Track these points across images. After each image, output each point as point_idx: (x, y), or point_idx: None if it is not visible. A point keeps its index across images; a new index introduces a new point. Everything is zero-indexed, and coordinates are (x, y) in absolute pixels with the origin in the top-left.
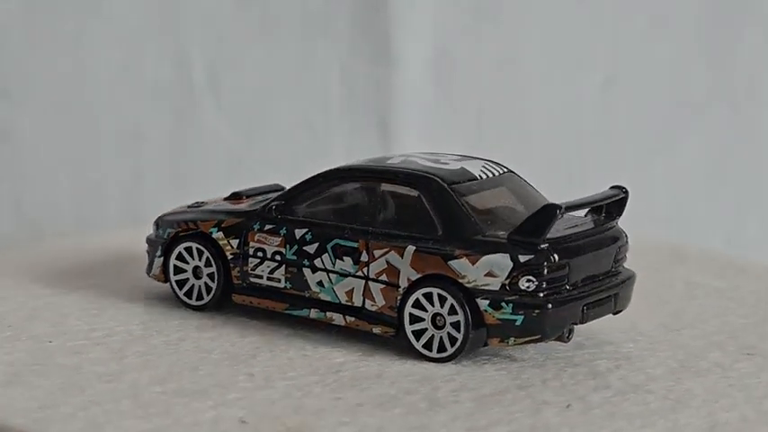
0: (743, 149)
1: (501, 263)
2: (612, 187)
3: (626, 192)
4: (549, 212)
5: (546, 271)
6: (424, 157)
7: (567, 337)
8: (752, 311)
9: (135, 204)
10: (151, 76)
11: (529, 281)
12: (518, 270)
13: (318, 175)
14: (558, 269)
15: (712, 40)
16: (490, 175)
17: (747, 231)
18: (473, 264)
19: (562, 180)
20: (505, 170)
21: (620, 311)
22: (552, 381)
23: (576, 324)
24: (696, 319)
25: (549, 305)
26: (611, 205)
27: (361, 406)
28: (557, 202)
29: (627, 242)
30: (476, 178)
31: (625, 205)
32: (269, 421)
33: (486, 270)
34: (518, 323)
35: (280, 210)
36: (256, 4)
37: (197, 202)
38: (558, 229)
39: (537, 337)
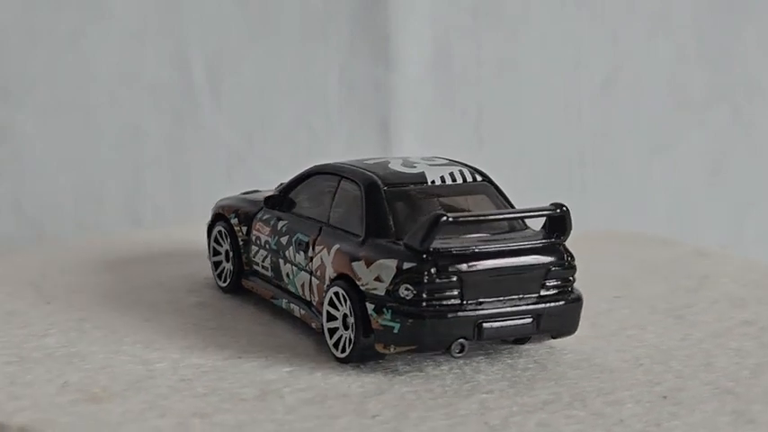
0: (743, 149)
1: (388, 268)
2: (552, 204)
3: (563, 210)
4: (432, 221)
5: (426, 280)
6: (400, 158)
7: (458, 352)
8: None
9: (135, 204)
10: (151, 77)
11: (407, 289)
12: (400, 277)
13: (307, 169)
14: (443, 280)
15: (712, 40)
16: (450, 182)
17: (748, 231)
18: (368, 267)
19: (562, 180)
20: (480, 179)
21: (559, 336)
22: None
23: (469, 340)
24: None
25: (426, 316)
26: (553, 224)
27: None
28: (443, 212)
29: (566, 265)
30: (424, 182)
31: (565, 225)
32: None
33: (376, 274)
34: (395, 330)
35: (271, 201)
36: (256, 4)
37: (250, 191)
38: (468, 242)
39: (414, 347)
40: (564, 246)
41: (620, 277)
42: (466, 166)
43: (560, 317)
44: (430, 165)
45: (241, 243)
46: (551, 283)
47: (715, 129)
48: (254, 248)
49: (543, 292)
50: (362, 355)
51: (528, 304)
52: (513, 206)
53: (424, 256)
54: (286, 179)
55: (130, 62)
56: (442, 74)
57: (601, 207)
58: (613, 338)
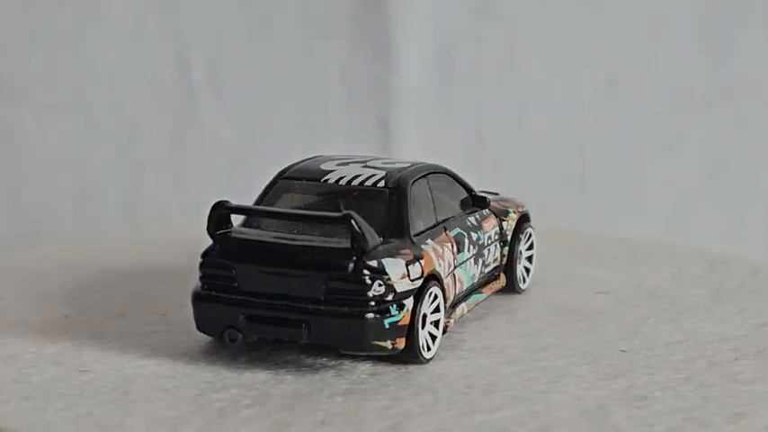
0: (743, 149)
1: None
2: (343, 213)
3: (345, 218)
4: (211, 207)
5: (204, 264)
6: (360, 157)
7: (230, 340)
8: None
9: (135, 204)
10: (151, 77)
11: (199, 271)
12: (200, 260)
13: None
14: (218, 267)
15: (712, 40)
16: (346, 184)
17: (748, 231)
18: None
19: (562, 180)
20: (385, 189)
21: (342, 350)
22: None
23: (239, 332)
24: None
25: (200, 299)
26: (351, 234)
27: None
28: (226, 200)
29: (354, 279)
30: (318, 179)
31: (353, 235)
32: None
33: None
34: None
35: None
36: (256, 4)
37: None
38: (262, 235)
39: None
40: (361, 258)
41: None
42: (396, 178)
43: (338, 330)
44: (363, 166)
45: None
46: (332, 294)
47: (715, 129)
48: None
49: (321, 300)
50: None
51: (300, 309)
52: (402, 216)
53: (212, 241)
54: None
55: (130, 62)
56: (443, 74)
57: (601, 207)
58: None
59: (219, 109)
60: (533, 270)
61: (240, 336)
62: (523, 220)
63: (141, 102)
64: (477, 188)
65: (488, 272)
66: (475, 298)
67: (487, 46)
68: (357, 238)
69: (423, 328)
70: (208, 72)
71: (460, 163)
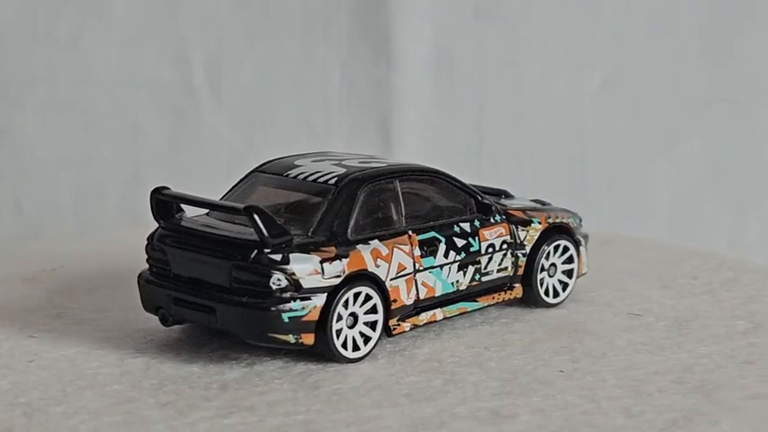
0: (744, 149)
1: None
2: (246, 206)
3: (247, 211)
4: (150, 193)
5: (145, 247)
6: (338, 154)
7: (162, 320)
8: None
9: (135, 204)
10: (151, 76)
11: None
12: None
13: None
14: (156, 251)
15: (712, 40)
16: (302, 179)
17: (749, 231)
18: None
19: (562, 180)
20: (336, 186)
21: (239, 338)
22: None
23: (169, 313)
24: None
25: (139, 277)
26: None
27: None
28: (163, 186)
29: (252, 269)
30: (280, 174)
31: (258, 228)
32: None
33: None
34: None
35: None
36: (256, 4)
37: None
38: (193, 223)
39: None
40: (263, 251)
41: None
42: (353, 176)
43: (239, 319)
44: (335, 164)
45: None
46: (237, 284)
47: (716, 129)
48: None
49: (227, 288)
50: None
51: (211, 296)
52: (337, 215)
53: (158, 226)
54: None
55: (130, 62)
56: (443, 73)
57: (601, 207)
58: None
59: (220, 109)
60: (572, 285)
61: (170, 317)
62: (556, 231)
63: (141, 101)
64: (531, 195)
65: (489, 281)
66: (462, 306)
67: (488, 46)
68: (256, 230)
69: (351, 327)
70: (208, 72)
71: (461, 162)
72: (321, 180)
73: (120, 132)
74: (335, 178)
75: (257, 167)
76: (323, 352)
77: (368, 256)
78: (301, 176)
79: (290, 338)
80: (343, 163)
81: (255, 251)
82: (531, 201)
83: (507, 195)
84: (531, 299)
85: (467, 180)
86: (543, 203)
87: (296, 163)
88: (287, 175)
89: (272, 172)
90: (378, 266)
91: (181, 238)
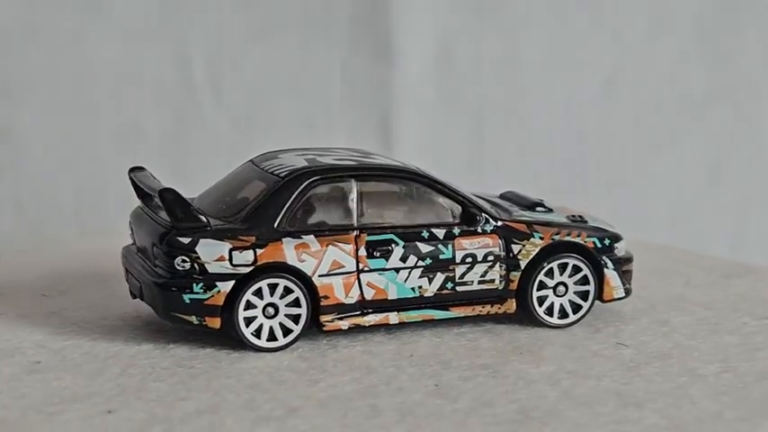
0: (744, 150)
1: None
2: (161, 190)
3: (160, 194)
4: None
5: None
6: (332, 149)
7: (130, 292)
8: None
9: (135, 204)
10: (152, 76)
11: None
12: None
13: None
14: (130, 227)
15: (712, 40)
16: (269, 171)
17: (749, 232)
18: None
19: (562, 180)
20: (288, 179)
21: (154, 310)
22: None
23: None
24: None
25: (123, 249)
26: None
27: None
28: (139, 166)
29: (162, 250)
30: (257, 166)
31: (169, 211)
32: None
33: None
34: None
35: None
36: (256, 4)
37: None
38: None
39: None
40: (172, 233)
41: None
42: (323, 169)
43: (150, 295)
44: (307, 158)
45: None
46: (155, 263)
47: (715, 129)
48: None
49: (149, 266)
50: None
51: (138, 271)
52: (268, 206)
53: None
54: None
55: (131, 61)
56: (444, 72)
57: (601, 207)
58: None
59: (220, 108)
60: (587, 308)
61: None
62: (566, 249)
63: (142, 101)
64: (531, 195)
65: (466, 291)
66: (428, 313)
67: (488, 45)
68: (167, 212)
69: (272, 318)
70: (208, 71)
71: (461, 162)
72: (277, 172)
73: (120, 132)
74: (287, 171)
75: (252, 158)
76: (234, 337)
77: (290, 249)
78: (268, 168)
79: (194, 319)
80: (318, 159)
81: (166, 233)
82: (571, 216)
83: (543, 206)
84: (529, 316)
85: (471, 184)
86: (579, 219)
87: (279, 156)
88: (260, 166)
89: (254, 162)
90: (302, 261)
91: (137, 218)
